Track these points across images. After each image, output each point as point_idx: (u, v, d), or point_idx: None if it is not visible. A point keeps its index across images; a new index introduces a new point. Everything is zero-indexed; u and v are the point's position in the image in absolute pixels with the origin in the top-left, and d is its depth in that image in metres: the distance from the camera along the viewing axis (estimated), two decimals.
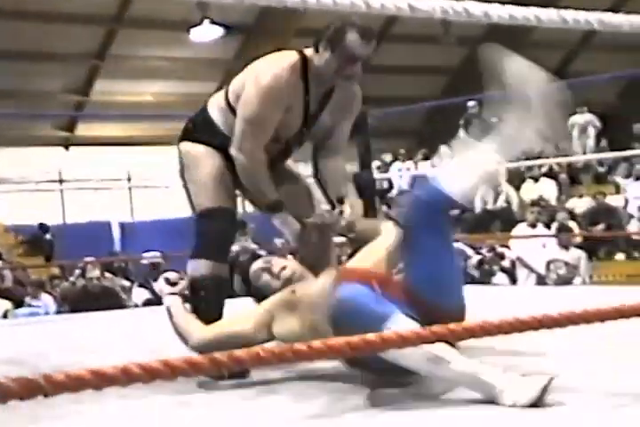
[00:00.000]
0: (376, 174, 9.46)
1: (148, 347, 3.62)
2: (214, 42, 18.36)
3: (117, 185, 17.30)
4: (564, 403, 2.29)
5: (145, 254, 10.32)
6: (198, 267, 3.22)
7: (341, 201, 3.30)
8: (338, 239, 3.48)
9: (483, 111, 15.82)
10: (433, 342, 1.54)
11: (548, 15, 2.25)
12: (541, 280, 9.70)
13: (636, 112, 18.78)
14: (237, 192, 3.36)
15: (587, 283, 9.73)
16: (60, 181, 17.24)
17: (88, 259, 9.59)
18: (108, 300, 8.94)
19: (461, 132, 16.07)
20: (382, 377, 2.62)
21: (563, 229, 10.57)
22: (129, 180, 17.69)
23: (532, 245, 10.13)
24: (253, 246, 9.27)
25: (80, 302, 9.02)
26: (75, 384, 1.20)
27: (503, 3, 2.31)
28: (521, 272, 10.20)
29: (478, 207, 13.75)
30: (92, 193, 16.55)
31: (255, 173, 3.20)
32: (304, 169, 3.60)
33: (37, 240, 15.14)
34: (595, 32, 20.48)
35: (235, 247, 7.65)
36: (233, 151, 3.19)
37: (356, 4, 2.09)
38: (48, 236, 15.27)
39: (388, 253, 2.91)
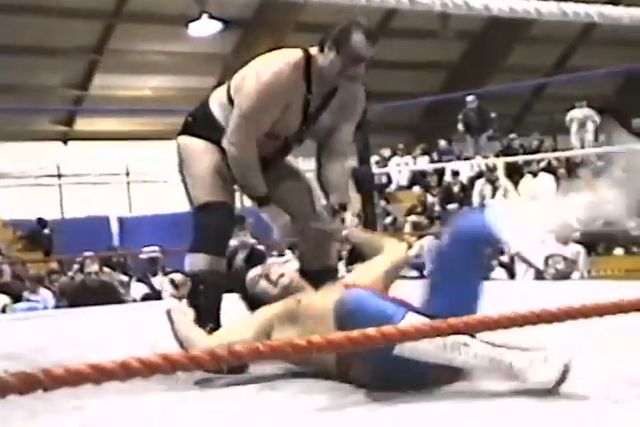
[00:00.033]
0: (375, 169, 9.45)
1: (147, 342, 3.61)
2: (213, 36, 18.35)
3: (116, 180, 17.29)
4: (562, 397, 2.29)
5: (143, 249, 10.31)
6: (196, 261, 3.22)
7: (344, 208, 3.30)
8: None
9: (482, 106, 15.85)
10: (433, 337, 1.54)
11: (549, 8, 2.25)
12: (540, 275, 9.68)
13: (634, 107, 18.79)
14: (236, 187, 3.36)
15: (585, 278, 9.71)
16: (59, 176, 17.22)
17: (86, 254, 9.57)
18: (106, 295, 8.91)
19: (460, 127, 16.07)
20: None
21: None
22: (127, 174, 17.68)
23: (531, 240, 10.10)
24: (252, 241, 9.25)
25: (78, 296, 9.00)
26: (74, 379, 1.19)
27: None
28: (519, 267, 10.17)
29: (476, 202, 13.75)
30: (91, 188, 16.54)
31: (245, 165, 3.19)
32: (303, 164, 3.59)
33: (36, 235, 15.13)
34: (594, 26, 20.49)
35: (233, 242, 7.64)
36: (225, 143, 3.19)
37: None
38: (46, 230, 15.26)
39: (385, 272, 2.92)
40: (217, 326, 3.20)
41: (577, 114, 16.41)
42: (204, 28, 18.02)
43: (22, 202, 15.49)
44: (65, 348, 3.89)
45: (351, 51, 3.05)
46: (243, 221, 9.00)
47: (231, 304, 3.17)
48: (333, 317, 2.53)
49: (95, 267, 9.61)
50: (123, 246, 15.20)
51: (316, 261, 3.42)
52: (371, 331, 1.37)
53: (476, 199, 13.78)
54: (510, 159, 14.30)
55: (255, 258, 9.35)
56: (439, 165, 15.52)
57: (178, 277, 3.08)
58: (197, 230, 3.26)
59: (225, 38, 18.72)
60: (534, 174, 14.16)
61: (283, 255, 10.73)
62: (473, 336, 2.41)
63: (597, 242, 11.16)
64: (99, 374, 1.21)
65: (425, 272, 10.87)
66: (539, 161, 14.67)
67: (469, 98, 15.46)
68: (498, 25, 19.84)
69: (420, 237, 11.46)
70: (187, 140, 3.33)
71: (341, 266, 10.38)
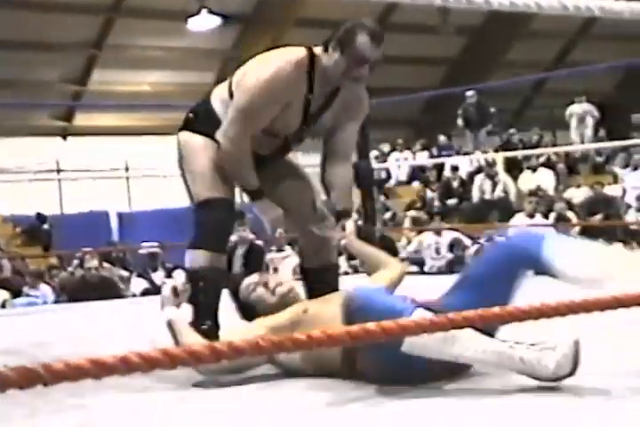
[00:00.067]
0: (374, 164, 9.44)
1: (147, 337, 3.60)
2: (212, 31, 18.33)
3: (115, 175, 17.27)
4: (563, 392, 2.29)
5: (143, 244, 10.32)
6: (196, 258, 3.21)
7: (347, 214, 3.29)
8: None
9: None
10: (433, 332, 1.53)
11: (549, 2, 2.24)
12: None
13: (634, 102, 18.80)
14: (236, 183, 3.35)
15: None
16: (58, 171, 17.21)
17: (86, 249, 9.59)
18: (106, 290, 8.94)
19: (459, 122, 16.07)
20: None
21: (560, 218, 10.57)
22: (127, 169, 17.65)
23: None
24: (251, 236, 9.27)
25: (78, 291, 9.02)
26: (74, 373, 1.19)
27: None
28: None
29: (476, 197, 13.75)
30: (90, 183, 16.50)
31: (238, 159, 3.19)
32: (302, 159, 3.58)
33: (35, 230, 15.13)
34: (594, 21, 20.47)
35: (232, 237, 7.64)
36: (219, 136, 3.19)
37: None
38: (46, 226, 15.26)
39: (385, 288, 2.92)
40: (215, 323, 3.19)
41: (576, 109, 16.41)
42: (204, 23, 18.01)
43: (22, 197, 15.47)
44: (65, 343, 3.90)
45: (356, 52, 3.02)
46: (242, 216, 9.01)
47: (229, 302, 3.16)
48: (342, 313, 2.53)
49: (95, 262, 9.63)
50: (122, 242, 15.22)
51: (317, 258, 3.41)
52: (370, 325, 1.37)
53: (475, 194, 13.78)
54: (510, 154, 14.31)
55: (254, 253, 9.37)
56: (438, 161, 15.51)
57: (180, 283, 2.99)
58: (198, 227, 3.25)
59: (224, 33, 18.70)
60: (534, 169, 14.17)
61: (282, 251, 10.73)
62: (482, 333, 2.42)
63: (596, 237, 11.15)
64: (99, 369, 1.21)
65: (424, 268, 10.90)
66: (538, 156, 14.68)
67: (469, 93, 15.45)
68: (498, 20, 19.82)
69: (420, 232, 11.47)
70: (187, 137, 3.33)
71: (342, 261, 10.40)
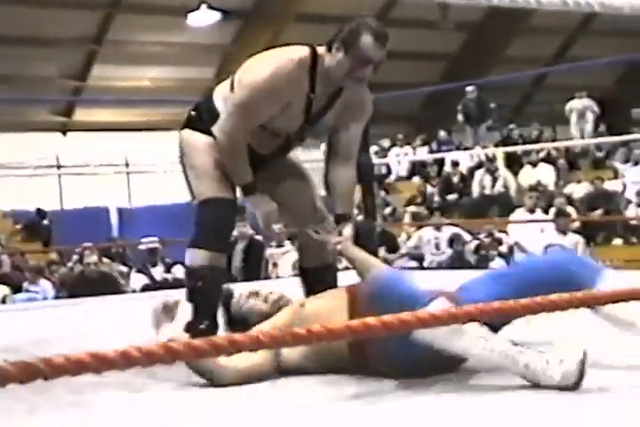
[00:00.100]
0: (374, 159, 9.45)
1: (146, 332, 3.60)
2: (212, 27, 18.31)
3: (115, 170, 17.27)
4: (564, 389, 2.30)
5: (143, 240, 10.32)
6: (196, 257, 3.21)
7: (345, 218, 3.27)
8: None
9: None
10: (434, 326, 1.54)
11: None
12: None
13: (634, 97, 18.78)
14: None
15: None
16: (58, 167, 17.21)
17: (86, 244, 9.59)
18: (105, 285, 8.93)
19: (459, 118, 16.06)
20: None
21: (561, 214, 10.57)
22: (127, 165, 17.66)
23: (530, 231, 10.12)
24: (251, 232, 9.26)
25: (78, 287, 9.01)
26: (74, 368, 1.19)
27: None
28: (519, 257, 10.20)
29: (476, 192, 13.75)
30: (90, 178, 16.53)
31: (232, 153, 3.18)
32: (302, 155, 3.57)
33: (35, 226, 15.13)
34: (594, 16, 20.44)
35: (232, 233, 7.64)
36: (215, 129, 3.18)
37: None
38: (45, 221, 15.26)
39: None
40: (213, 323, 3.17)
41: (576, 104, 16.40)
42: (204, 18, 17.98)
43: (21, 193, 15.48)
44: (65, 339, 3.90)
45: (359, 52, 3.01)
46: (242, 211, 9.00)
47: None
48: (348, 302, 2.55)
49: (94, 258, 9.62)
50: (122, 237, 15.22)
51: (316, 258, 3.40)
52: (370, 320, 1.38)
53: (475, 189, 13.78)
54: (510, 149, 14.31)
55: (254, 248, 9.37)
56: (439, 156, 15.51)
57: (168, 300, 2.90)
58: (198, 226, 3.25)
59: (224, 29, 18.67)
60: (534, 165, 14.16)
61: (282, 246, 10.74)
62: (495, 332, 2.42)
63: (596, 232, 11.17)
64: (99, 364, 1.21)
65: (424, 263, 10.91)
66: (538, 151, 14.67)
67: (469, 88, 15.43)
68: (497, 15, 19.80)
69: (420, 227, 11.47)
70: (189, 135, 3.32)
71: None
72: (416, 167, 17.10)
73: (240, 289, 3.17)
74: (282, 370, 2.77)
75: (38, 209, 15.42)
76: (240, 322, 3.02)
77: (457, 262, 10.07)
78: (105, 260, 10.64)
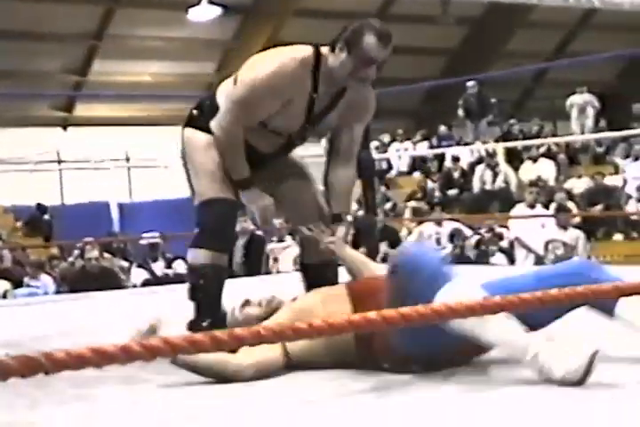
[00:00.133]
0: (374, 155, 9.44)
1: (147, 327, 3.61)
2: (212, 22, 18.30)
3: (116, 165, 17.26)
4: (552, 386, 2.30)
5: (144, 235, 10.32)
6: (198, 256, 3.22)
7: (340, 218, 3.28)
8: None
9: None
10: (435, 321, 1.54)
11: None
12: (540, 260, 9.70)
13: (635, 92, 18.77)
14: None
15: None
16: (59, 162, 17.21)
17: (87, 239, 9.59)
18: (106, 280, 8.93)
19: (460, 113, 16.06)
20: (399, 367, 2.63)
21: (561, 209, 10.56)
22: (127, 160, 17.66)
23: (531, 226, 10.12)
24: (252, 227, 9.26)
25: (79, 282, 9.02)
26: (75, 362, 1.20)
27: None
28: (519, 252, 10.20)
29: (477, 187, 13.75)
30: (91, 173, 16.53)
31: (229, 148, 3.18)
32: (301, 150, 3.57)
33: (36, 221, 15.13)
34: (594, 12, 20.40)
35: None
36: (213, 124, 3.19)
37: None
38: (46, 216, 15.26)
39: None
40: (216, 321, 3.16)
41: (577, 99, 16.39)
42: (204, 13, 17.97)
43: (22, 188, 15.48)
44: (66, 333, 3.90)
45: (363, 53, 3.00)
46: (243, 206, 9.02)
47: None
48: (348, 293, 2.59)
49: (95, 253, 9.63)
50: (123, 232, 15.22)
51: (317, 255, 3.40)
52: (372, 315, 1.38)
53: (476, 185, 13.77)
54: (510, 144, 14.30)
55: (255, 244, 9.38)
56: (439, 151, 15.50)
57: (153, 322, 2.81)
58: (200, 226, 3.25)
59: (224, 24, 18.66)
60: (534, 160, 14.15)
61: (282, 241, 10.74)
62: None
63: (597, 227, 11.17)
64: (100, 358, 1.21)
65: None
66: (538, 146, 14.66)
67: (470, 83, 15.43)
68: (498, 10, 19.79)
69: (420, 222, 11.47)
70: (191, 134, 3.31)
71: None
72: (416, 162, 17.10)
73: (237, 294, 3.15)
74: (288, 365, 2.77)
75: (38, 204, 15.42)
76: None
77: (457, 258, 10.06)
78: (106, 255, 10.65)
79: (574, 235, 9.82)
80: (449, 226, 10.85)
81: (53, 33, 17.22)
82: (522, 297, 1.57)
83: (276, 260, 10.52)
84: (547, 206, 11.01)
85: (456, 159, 15.16)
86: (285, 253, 10.34)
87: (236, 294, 3.22)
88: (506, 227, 10.78)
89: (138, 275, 9.94)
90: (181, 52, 18.79)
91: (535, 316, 2.40)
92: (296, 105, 3.15)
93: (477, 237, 10.63)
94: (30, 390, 2.52)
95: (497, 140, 15.52)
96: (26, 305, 5.98)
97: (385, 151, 16.61)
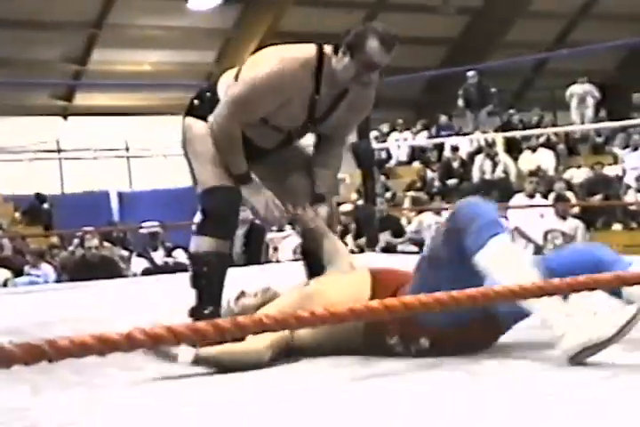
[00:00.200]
0: (374, 144, 9.44)
1: (148, 315, 3.62)
2: (212, 11, 18.26)
3: (116, 154, 17.25)
4: (561, 372, 2.31)
5: (143, 224, 10.33)
6: (201, 243, 3.22)
7: (322, 199, 3.30)
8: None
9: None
10: (435, 310, 1.54)
11: None
12: (539, 250, 9.71)
13: (635, 82, 18.74)
14: None
15: None
16: (58, 151, 17.20)
17: (87, 228, 9.60)
18: (106, 269, 8.95)
19: (460, 102, 16.04)
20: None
21: (560, 199, 10.57)
22: (127, 149, 17.64)
23: (530, 216, 10.13)
24: (252, 216, 9.26)
25: (79, 271, 9.04)
26: (78, 350, 1.20)
27: None
28: (518, 242, 10.21)
29: (476, 177, 13.75)
30: (91, 163, 16.51)
31: (225, 144, 3.18)
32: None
33: (35, 210, 15.12)
34: (594, 1, 20.35)
35: None
36: (210, 119, 3.19)
37: None
38: (45, 205, 15.26)
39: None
40: (218, 308, 3.17)
41: (577, 89, 16.38)
42: (204, 2, 17.94)
43: (22, 177, 15.48)
44: (67, 322, 3.91)
45: (365, 57, 2.99)
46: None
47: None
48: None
49: (95, 242, 9.64)
50: (123, 221, 15.23)
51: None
52: (373, 303, 1.38)
53: (475, 174, 13.78)
54: (510, 134, 14.29)
55: (255, 233, 9.38)
56: (438, 141, 15.49)
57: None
58: (203, 214, 3.25)
59: (225, 13, 18.62)
60: (534, 150, 14.15)
61: (282, 230, 10.74)
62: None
63: (596, 217, 11.17)
64: (103, 346, 1.22)
65: (424, 248, 10.92)
66: (538, 136, 14.66)
67: (470, 73, 15.41)
68: (498, 0, 19.76)
69: (420, 212, 11.48)
70: (192, 122, 3.31)
71: (349, 240, 10.42)
72: (416, 152, 17.08)
73: (236, 283, 3.16)
74: (294, 352, 2.77)
75: (37, 193, 15.41)
76: None
77: None
78: (106, 244, 10.66)
79: (573, 225, 9.83)
80: None
81: (53, 21, 17.18)
82: (578, 279, 1.57)
83: (275, 249, 10.52)
84: (546, 196, 11.02)
85: (455, 149, 15.16)
86: (285, 242, 10.35)
87: (235, 283, 3.23)
88: (505, 217, 10.78)
89: (138, 264, 9.95)
90: (181, 41, 18.75)
91: None
92: (296, 105, 3.16)
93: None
94: (32, 376, 2.53)
95: (497, 130, 15.51)
96: (26, 293, 5.99)
97: (384, 141, 16.60)
